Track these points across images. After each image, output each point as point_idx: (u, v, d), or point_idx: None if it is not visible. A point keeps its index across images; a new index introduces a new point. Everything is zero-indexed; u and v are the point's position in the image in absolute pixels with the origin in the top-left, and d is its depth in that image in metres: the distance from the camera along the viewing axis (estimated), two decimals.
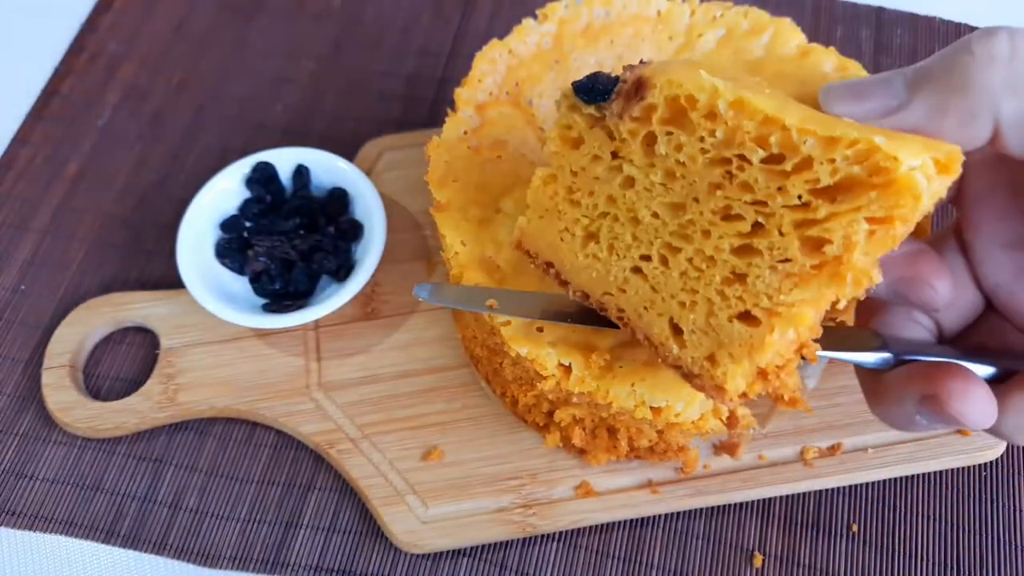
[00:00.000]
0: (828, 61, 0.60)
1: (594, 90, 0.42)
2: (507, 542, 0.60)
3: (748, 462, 0.61)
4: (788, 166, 0.36)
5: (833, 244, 0.36)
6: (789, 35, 0.61)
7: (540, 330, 0.51)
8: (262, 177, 0.68)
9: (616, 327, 0.46)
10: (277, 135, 0.80)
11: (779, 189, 0.37)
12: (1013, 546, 0.59)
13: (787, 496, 0.61)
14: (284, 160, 0.69)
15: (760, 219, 0.38)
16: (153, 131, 0.80)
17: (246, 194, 0.69)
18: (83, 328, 0.68)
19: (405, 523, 0.60)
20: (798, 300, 0.37)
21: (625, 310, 0.45)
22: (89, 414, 0.64)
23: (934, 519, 0.60)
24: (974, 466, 0.62)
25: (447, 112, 0.58)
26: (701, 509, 0.61)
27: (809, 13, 0.86)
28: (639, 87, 0.40)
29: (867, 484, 0.61)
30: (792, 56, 0.59)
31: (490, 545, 0.60)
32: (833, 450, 0.61)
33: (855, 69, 0.60)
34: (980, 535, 0.59)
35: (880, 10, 0.86)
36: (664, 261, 0.42)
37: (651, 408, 0.48)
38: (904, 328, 0.45)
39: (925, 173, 0.33)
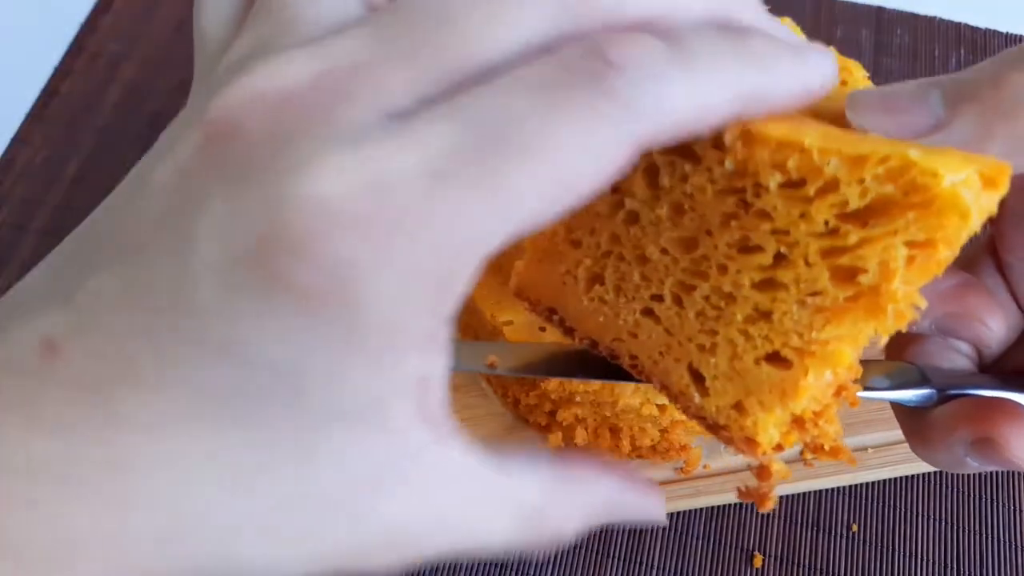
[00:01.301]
0: None
1: None
2: None
3: (748, 462, 0.61)
4: (811, 190, 0.32)
5: (868, 273, 0.32)
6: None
7: (543, 329, 0.51)
8: None
9: (631, 378, 0.42)
10: None
11: (802, 216, 0.33)
12: (1013, 546, 0.59)
13: (787, 496, 0.61)
14: None
15: (782, 249, 0.34)
16: (153, 131, 0.80)
17: None
18: None
19: None
20: (833, 337, 0.34)
21: (638, 356, 0.41)
22: None
23: (934, 519, 0.60)
24: None
25: None
26: (701, 509, 0.61)
27: (809, 13, 0.86)
28: None
29: (867, 484, 0.61)
30: None
31: None
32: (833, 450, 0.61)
33: (856, 70, 0.60)
34: (980, 535, 0.60)
35: (880, 10, 0.86)
36: (678, 301, 0.38)
37: (657, 405, 0.48)
38: (942, 357, 0.41)
39: (971, 188, 0.30)
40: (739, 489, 0.55)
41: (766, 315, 0.36)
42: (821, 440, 0.37)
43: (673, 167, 0.35)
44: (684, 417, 0.48)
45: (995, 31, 0.84)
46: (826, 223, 0.32)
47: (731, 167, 0.33)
